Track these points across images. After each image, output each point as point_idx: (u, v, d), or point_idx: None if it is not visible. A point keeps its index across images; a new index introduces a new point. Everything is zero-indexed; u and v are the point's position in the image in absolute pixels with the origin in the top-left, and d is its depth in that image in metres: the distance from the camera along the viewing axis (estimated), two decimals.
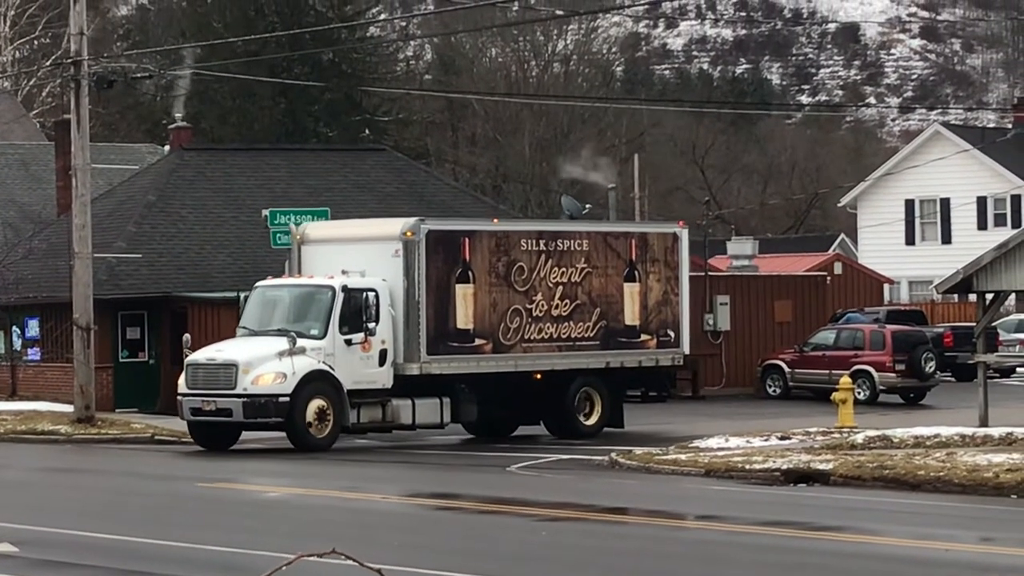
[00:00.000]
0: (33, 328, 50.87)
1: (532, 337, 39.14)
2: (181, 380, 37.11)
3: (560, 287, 39.65)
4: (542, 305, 39.34)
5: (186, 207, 52.69)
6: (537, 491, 28.04)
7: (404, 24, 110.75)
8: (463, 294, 38.22)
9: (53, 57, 63.17)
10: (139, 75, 64.26)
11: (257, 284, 39.12)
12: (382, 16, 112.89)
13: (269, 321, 37.73)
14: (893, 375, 50.61)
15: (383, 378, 36.87)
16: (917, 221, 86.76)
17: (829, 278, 63.50)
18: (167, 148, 63.09)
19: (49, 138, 66.45)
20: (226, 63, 70.85)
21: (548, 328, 39.43)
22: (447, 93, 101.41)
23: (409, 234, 37.50)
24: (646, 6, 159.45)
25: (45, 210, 56.45)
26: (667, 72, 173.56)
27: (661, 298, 41.55)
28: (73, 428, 40.08)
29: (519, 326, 38.89)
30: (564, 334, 39.70)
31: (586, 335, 40.11)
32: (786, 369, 53.12)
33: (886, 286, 73.53)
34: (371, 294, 36.87)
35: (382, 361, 36.88)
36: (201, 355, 37.30)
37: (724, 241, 73.80)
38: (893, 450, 31.90)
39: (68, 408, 41.97)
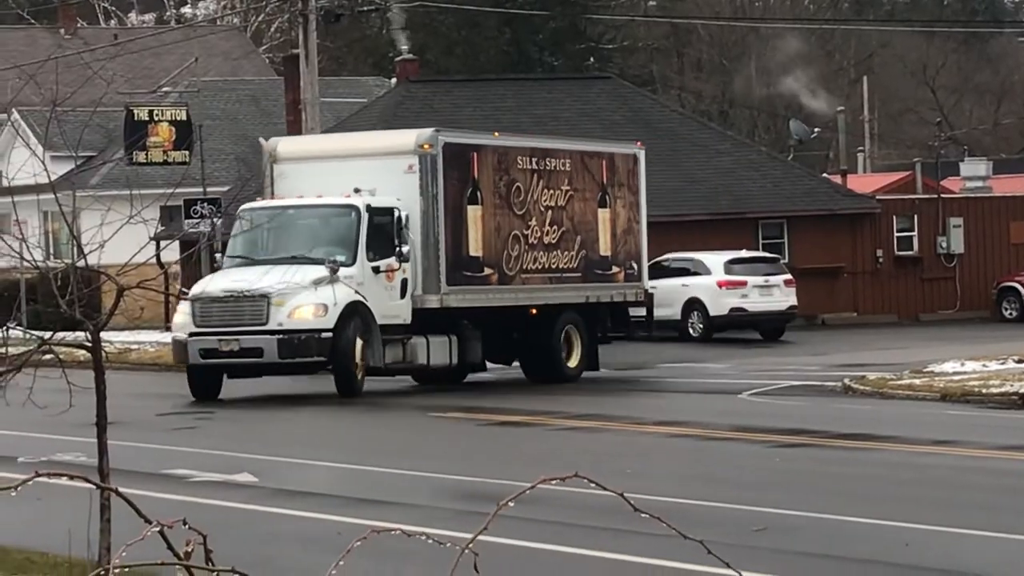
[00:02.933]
0: None
1: (529, 267, 34.81)
2: (181, 318, 31.54)
3: (550, 211, 35.43)
4: (536, 231, 35.02)
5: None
6: (769, 417, 27.83)
7: None
8: (474, 217, 33.61)
9: None
10: (365, 8, 64.86)
11: (247, 206, 33.05)
12: None
13: (275, 248, 32.21)
14: None
15: (404, 312, 32.15)
16: None
17: None
18: (394, 81, 63.56)
19: (278, 73, 67.19)
20: None
21: (541, 258, 35.11)
22: (672, 19, 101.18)
23: (426, 147, 32.58)
24: None
25: None
26: None
27: (627, 226, 37.38)
28: None
29: (519, 254, 34.57)
30: (554, 264, 35.41)
31: (571, 266, 35.86)
32: (1023, 292, 52.49)
33: None
34: (396, 215, 31.91)
35: (403, 292, 32.12)
36: (213, 287, 31.35)
37: (957, 163, 72.59)
38: None
39: None
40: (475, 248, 33.50)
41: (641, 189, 38.06)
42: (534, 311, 34.83)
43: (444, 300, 32.67)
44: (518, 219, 34.52)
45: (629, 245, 37.31)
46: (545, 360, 35.02)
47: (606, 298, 36.70)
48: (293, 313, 30.34)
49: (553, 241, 35.27)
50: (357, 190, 31.90)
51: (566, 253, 35.59)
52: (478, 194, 33.72)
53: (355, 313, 30.67)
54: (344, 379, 30.94)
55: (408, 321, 32.11)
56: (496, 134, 36.95)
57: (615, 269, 36.87)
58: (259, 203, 32.79)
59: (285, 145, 35.05)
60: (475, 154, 33.97)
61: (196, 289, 31.13)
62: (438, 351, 32.43)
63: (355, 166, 32.55)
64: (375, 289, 31.39)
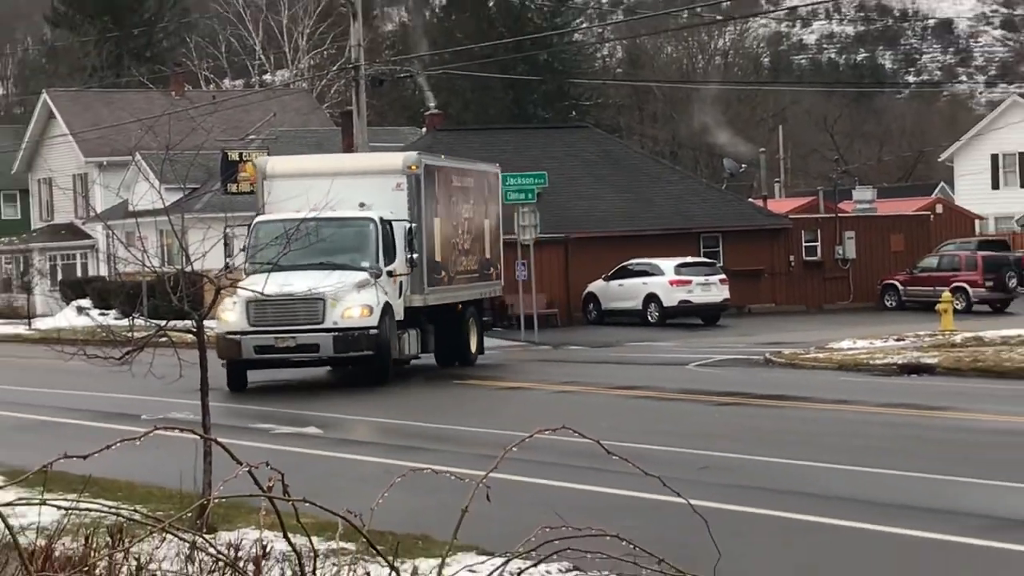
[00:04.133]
0: None
1: (460, 269, 32.58)
2: (231, 316, 26.75)
3: (467, 221, 33.16)
4: (462, 239, 32.76)
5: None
6: (709, 383, 27.82)
7: (600, 31, 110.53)
8: (438, 227, 30.88)
9: (338, 63, 63.41)
10: (402, 75, 64.83)
11: (261, 218, 28.34)
12: (584, 25, 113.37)
13: (306, 254, 26.03)
14: (983, 290, 49.79)
15: (400, 310, 29.03)
16: (1000, 171, 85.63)
17: (932, 216, 62.71)
18: (424, 130, 63.44)
19: (336, 124, 67.06)
20: (467, 64, 71.28)
21: (463, 261, 32.86)
22: (634, 82, 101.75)
23: (413, 168, 29.46)
24: (787, 10, 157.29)
25: None
26: (803, 61, 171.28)
27: (496, 233, 35.38)
28: None
29: (455, 259, 32.27)
30: (469, 267, 33.28)
31: (474, 268, 33.75)
32: (900, 287, 52.44)
33: (976, 221, 72.34)
34: (398, 226, 28.83)
35: (400, 293, 29.06)
36: (266, 289, 25.78)
37: (850, 190, 72.58)
38: (984, 347, 31.30)
39: None
40: (439, 254, 31.03)
41: (500, 202, 36.44)
42: (460, 307, 32.14)
43: (426, 299, 29.98)
44: (453, 228, 32.19)
45: (496, 249, 35.44)
46: (458, 347, 32.39)
47: (489, 294, 34.90)
48: (345, 313, 26.79)
49: (468, 247, 33.29)
50: (362, 204, 28.62)
51: (473, 257, 33.68)
52: (438, 208, 31.16)
53: (388, 312, 27.80)
54: (382, 370, 27.60)
55: (403, 318, 29.14)
56: (443, 156, 34.13)
57: (492, 270, 35.18)
58: (275, 215, 27.42)
59: (274, 164, 30.78)
60: (436, 174, 31.24)
61: (247, 292, 25.00)
62: (413, 343, 29.69)
63: (345, 183, 27.99)
64: (388, 291, 28.28)
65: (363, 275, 27.49)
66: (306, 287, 26.48)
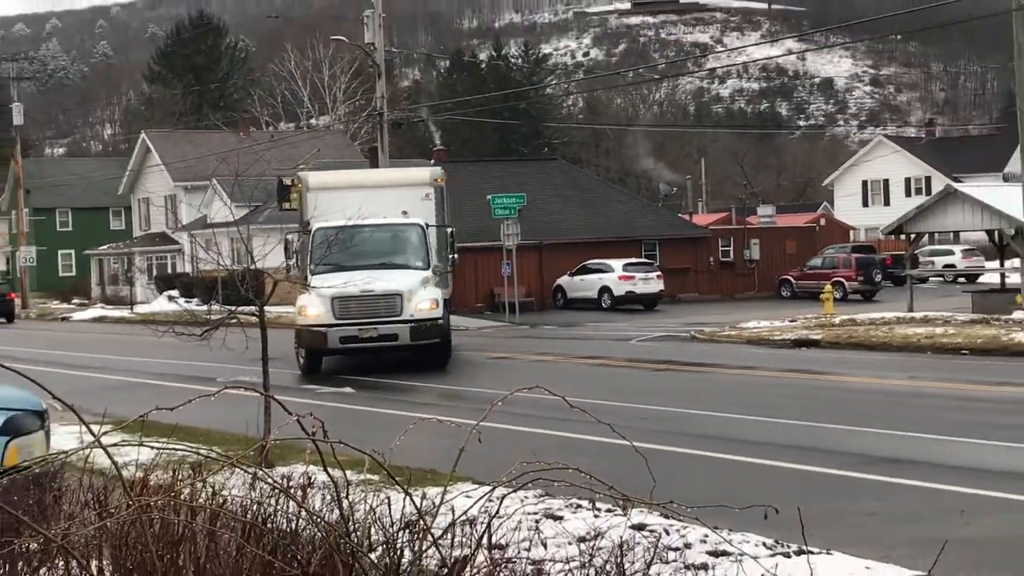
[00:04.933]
0: None
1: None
2: (315, 310, 23.64)
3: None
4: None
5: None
6: (649, 353, 27.85)
7: (566, 87, 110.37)
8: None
9: (367, 111, 63.16)
10: (415, 120, 64.60)
11: (320, 224, 24.30)
12: (553, 82, 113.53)
13: (364, 255, 24.50)
14: (856, 283, 49.91)
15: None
16: (869, 193, 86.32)
17: (817, 227, 62.83)
18: (432, 161, 63.34)
19: (365, 158, 66.76)
20: (464, 111, 71.25)
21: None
22: (591, 125, 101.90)
23: (439, 180, 26.85)
24: (708, 71, 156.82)
25: None
26: (720, 109, 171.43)
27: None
28: None
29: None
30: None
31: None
32: (793, 281, 52.49)
33: (851, 231, 72.52)
34: (448, 231, 26.65)
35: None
36: (347, 288, 23.21)
37: (755, 207, 72.72)
38: (857, 327, 31.36)
39: None
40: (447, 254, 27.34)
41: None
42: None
43: (447, 293, 26.83)
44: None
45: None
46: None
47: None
48: (418, 306, 23.92)
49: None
50: (405, 212, 25.68)
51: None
52: (447, 214, 27.99)
53: (445, 304, 25.33)
54: (446, 353, 25.02)
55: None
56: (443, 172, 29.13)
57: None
58: (333, 223, 23.42)
59: (317, 178, 27.55)
60: (443, 186, 27.67)
61: (334, 290, 23.50)
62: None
63: (381, 194, 25.78)
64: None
65: (422, 273, 24.72)
66: (384, 285, 23.82)
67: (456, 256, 27.16)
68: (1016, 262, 35.96)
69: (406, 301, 23.84)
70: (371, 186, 26.47)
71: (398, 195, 26.28)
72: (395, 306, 23.85)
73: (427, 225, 25.59)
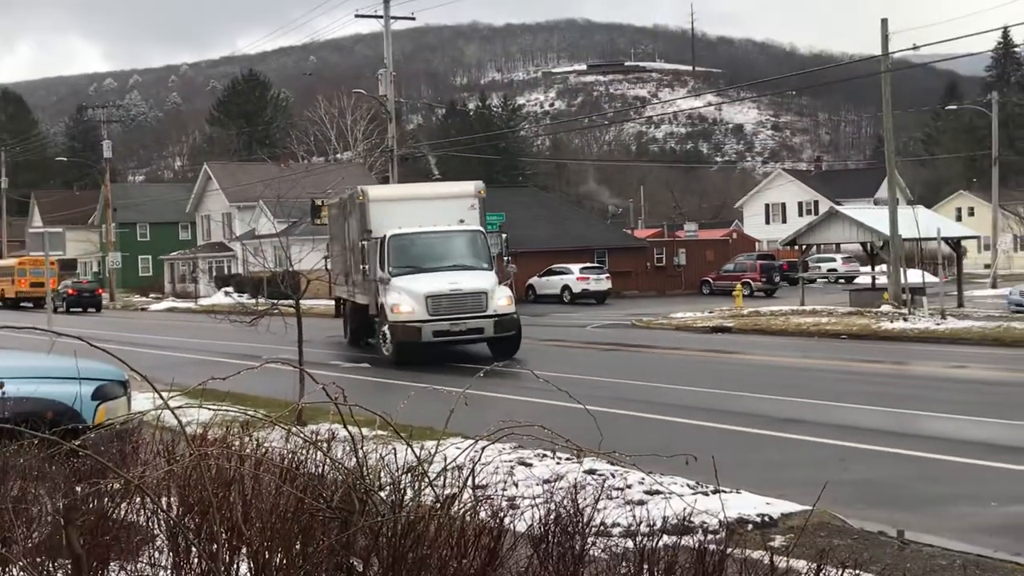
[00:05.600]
0: None
1: None
2: (408, 307, 21.02)
3: None
4: None
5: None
6: (600, 337, 27.82)
7: (536, 130, 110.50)
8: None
9: (380, 147, 63.08)
10: (419, 155, 64.39)
11: (394, 231, 22.02)
12: (526, 126, 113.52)
13: (436, 258, 22.01)
14: (760, 283, 50.09)
15: None
16: (770, 214, 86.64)
17: (730, 240, 63.03)
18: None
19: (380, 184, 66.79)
20: (458, 148, 71.09)
21: None
22: (557, 160, 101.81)
23: (481, 192, 23.47)
24: (646, 118, 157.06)
25: None
26: (656, 148, 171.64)
27: None
28: None
29: None
30: None
31: None
32: (711, 282, 52.62)
33: (756, 243, 72.80)
34: (503, 236, 24.20)
35: None
36: (435, 288, 21.01)
37: (682, 224, 72.86)
38: (761, 317, 31.42)
39: None
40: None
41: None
42: None
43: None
44: None
45: None
46: None
47: None
48: (499, 303, 21.31)
49: None
50: (462, 221, 22.87)
51: None
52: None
53: (513, 301, 22.25)
54: (518, 344, 21.95)
55: None
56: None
57: None
58: (405, 230, 21.87)
59: (375, 191, 24.14)
60: (485, 198, 24.56)
61: (425, 289, 21.04)
62: None
63: (432, 205, 23.07)
64: None
65: (490, 273, 21.97)
66: (470, 284, 21.30)
67: (510, 259, 24.68)
68: (884, 267, 36.21)
69: (489, 298, 21.33)
70: (423, 198, 23.74)
71: (446, 206, 23.35)
72: (481, 303, 21.30)
73: (486, 231, 23.13)
